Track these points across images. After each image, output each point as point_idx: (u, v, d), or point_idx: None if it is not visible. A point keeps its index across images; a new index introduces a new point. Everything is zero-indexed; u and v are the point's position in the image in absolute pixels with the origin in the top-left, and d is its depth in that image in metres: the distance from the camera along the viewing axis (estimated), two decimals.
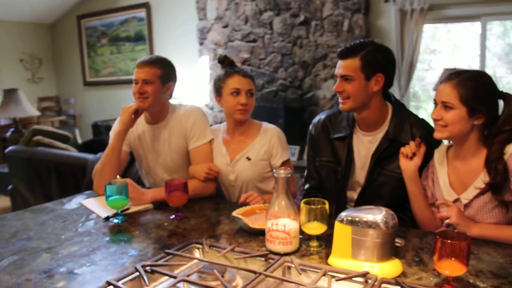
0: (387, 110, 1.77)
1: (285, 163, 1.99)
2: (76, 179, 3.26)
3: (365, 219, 1.18)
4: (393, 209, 1.65)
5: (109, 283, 1.09)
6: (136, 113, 1.99)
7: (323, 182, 1.90)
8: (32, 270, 1.25)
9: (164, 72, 1.99)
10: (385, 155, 1.72)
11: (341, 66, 1.68)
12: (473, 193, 1.47)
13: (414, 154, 1.59)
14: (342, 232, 1.22)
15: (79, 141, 5.05)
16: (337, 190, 1.82)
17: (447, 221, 1.41)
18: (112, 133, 2.05)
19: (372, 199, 1.73)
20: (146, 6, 6.92)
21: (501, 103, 1.49)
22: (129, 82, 7.27)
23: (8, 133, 4.92)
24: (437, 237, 1.08)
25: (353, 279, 1.12)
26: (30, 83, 7.77)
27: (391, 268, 1.18)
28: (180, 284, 1.11)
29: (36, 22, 7.88)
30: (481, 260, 1.26)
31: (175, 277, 1.11)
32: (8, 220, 1.72)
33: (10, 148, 3.74)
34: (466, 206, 1.49)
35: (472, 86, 1.44)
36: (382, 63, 1.69)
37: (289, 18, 5.30)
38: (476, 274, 1.18)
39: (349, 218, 1.21)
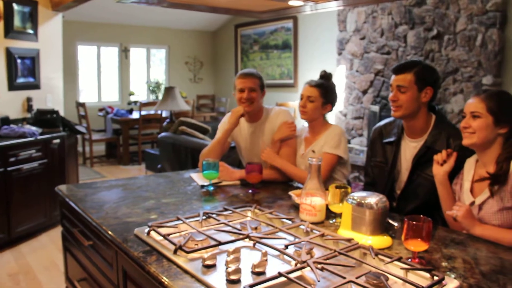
0: (430, 121, 2.03)
1: (328, 155, 2.28)
2: None
3: (361, 200, 1.54)
4: (427, 208, 1.94)
5: (178, 218, 1.64)
6: (241, 116, 2.53)
7: (376, 179, 2.22)
8: (140, 207, 1.89)
9: (261, 82, 2.53)
10: (423, 160, 1.98)
11: (397, 79, 2.01)
12: (485, 196, 1.68)
13: (445, 162, 1.84)
14: (347, 209, 1.59)
15: None
16: (386, 187, 2.13)
17: (452, 213, 1.65)
18: (220, 127, 2.63)
19: (410, 197, 2.02)
20: (294, 17, 7.57)
21: None
22: (273, 86, 8.04)
23: (165, 123, 6.00)
24: (405, 220, 1.39)
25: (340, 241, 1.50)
26: (192, 82, 9.07)
27: (381, 241, 1.51)
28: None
29: (201, 30, 9.16)
30: (465, 251, 1.49)
31: (223, 224, 1.61)
32: (139, 179, 2.44)
33: (161, 134, 4.67)
34: (480, 208, 1.70)
35: (498, 100, 1.68)
36: (431, 79, 1.99)
37: (422, 32, 5.41)
38: (449, 257, 1.44)
39: (351, 198, 1.57)
